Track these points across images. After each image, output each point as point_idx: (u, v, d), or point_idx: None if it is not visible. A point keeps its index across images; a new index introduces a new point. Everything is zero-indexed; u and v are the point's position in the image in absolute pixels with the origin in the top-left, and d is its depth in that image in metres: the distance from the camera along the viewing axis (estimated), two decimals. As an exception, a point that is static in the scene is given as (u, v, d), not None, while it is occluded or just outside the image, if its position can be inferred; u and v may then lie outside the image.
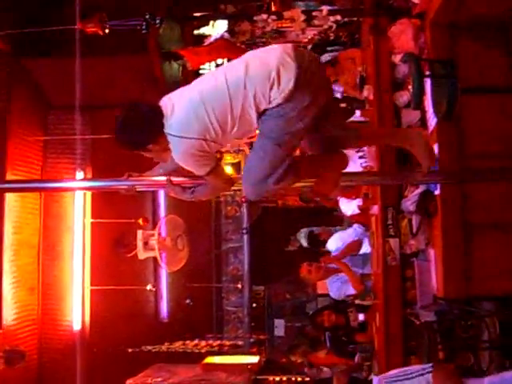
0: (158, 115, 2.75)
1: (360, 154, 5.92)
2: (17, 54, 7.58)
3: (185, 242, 7.97)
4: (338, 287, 5.85)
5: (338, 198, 6.43)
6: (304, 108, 2.66)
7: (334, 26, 6.56)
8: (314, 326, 6.06)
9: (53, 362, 8.20)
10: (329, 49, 6.41)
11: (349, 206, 6.34)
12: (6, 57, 7.55)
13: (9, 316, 7.54)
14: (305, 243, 7.02)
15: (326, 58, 6.58)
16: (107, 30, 6.74)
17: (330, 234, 6.81)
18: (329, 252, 6.54)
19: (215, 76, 2.79)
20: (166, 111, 2.76)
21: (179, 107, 2.75)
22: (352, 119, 6.26)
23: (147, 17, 6.66)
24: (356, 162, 5.84)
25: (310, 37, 6.98)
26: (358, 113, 6.23)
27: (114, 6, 7.14)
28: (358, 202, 6.07)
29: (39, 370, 8.22)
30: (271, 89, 2.65)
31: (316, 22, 6.59)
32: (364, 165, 5.83)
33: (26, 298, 8.08)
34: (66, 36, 6.90)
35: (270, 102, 2.67)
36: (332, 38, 6.85)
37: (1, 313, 7.35)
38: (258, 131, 2.83)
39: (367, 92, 5.65)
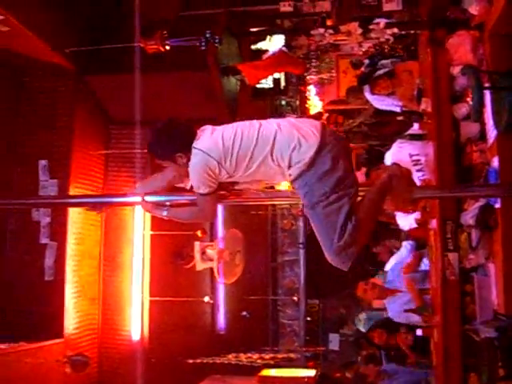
0: (190, 132, 3.11)
1: (418, 167, 5.86)
2: (80, 72, 7.83)
3: (242, 258, 8.03)
4: (398, 311, 5.79)
5: (395, 212, 6.36)
6: (324, 173, 2.93)
7: (391, 38, 6.56)
8: (367, 341, 6.04)
9: (112, 370, 8.36)
10: (384, 62, 6.40)
11: (406, 221, 6.26)
12: (70, 74, 7.80)
13: (70, 325, 7.74)
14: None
15: (383, 69, 6.58)
16: (167, 47, 6.91)
17: (389, 254, 6.74)
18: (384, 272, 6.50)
19: (252, 124, 3.10)
20: (201, 133, 3.10)
21: (215, 133, 3.08)
22: (410, 132, 6.22)
23: (207, 35, 6.78)
24: (414, 175, 5.80)
25: (365, 49, 7.00)
26: (416, 126, 6.19)
27: (173, 23, 7.31)
28: (416, 215, 6.00)
29: (99, 378, 8.40)
30: (293, 151, 2.95)
31: (373, 35, 6.62)
32: (422, 178, 5.77)
33: (87, 308, 8.28)
34: (127, 53, 7.11)
35: (290, 165, 2.96)
36: (387, 50, 6.85)
37: (63, 321, 7.56)
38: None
39: (425, 104, 5.62)
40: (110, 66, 7.74)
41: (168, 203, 3.24)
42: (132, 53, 7.02)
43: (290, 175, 3.00)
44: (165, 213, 3.22)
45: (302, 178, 2.96)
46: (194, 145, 3.05)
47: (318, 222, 2.97)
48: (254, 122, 3.13)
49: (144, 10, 6.54)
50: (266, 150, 2.98)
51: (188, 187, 3.22)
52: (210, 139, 3.06)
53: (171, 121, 3.20)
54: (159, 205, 3.23)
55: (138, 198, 3.29)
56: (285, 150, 2.97)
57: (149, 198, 3.23)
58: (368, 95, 6.68)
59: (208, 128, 3.16)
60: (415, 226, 6.08)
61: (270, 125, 3.07)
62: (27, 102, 7.90)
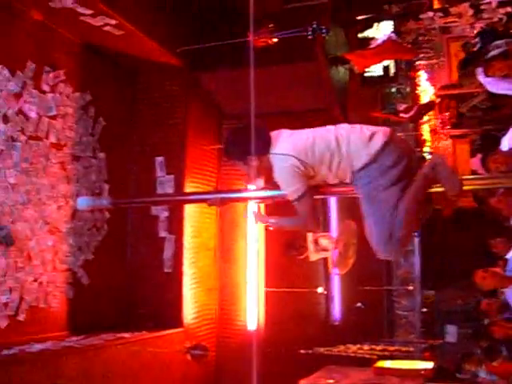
0: (265, 137, 3.29)
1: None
2: (191, 69, 8.06)
3: (355, 249, 7.96)
4: None
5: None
6: (387, 167, 3.11)
7: (505, 17, 6.27)
8: (486, 335, 5.83)
9: (229, 360, 8.58)
10: (498, 42, 6.12)
11: None
12: (183, 72, 8.05)
13: (189, 315, 8.02)
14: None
15: (497, 50, 6.30)
16: (275, 40, 6.97)
17: (507, 247, 6.44)
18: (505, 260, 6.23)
19: (328, 129, 3.32)
20: (278, 138, 3.29)
21: (293, 136, 3.30)
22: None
23: (314, 26, 6.78)
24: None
25: (477, 31, 6.73)
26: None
27: (278, 16, 7.35)
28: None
29: (217, 367, 8.66)
30: (363, 148, 3.15)
31: (485, 15, 6.35)
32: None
33: (205, 298, 8.54)
34: (236, 48, 7.23)
35: (360, 160, 3.14)
36: (501, 30, 6.54)
37: (182, 311, 7.84)
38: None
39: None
40: (220, 62, 7.90)
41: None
42: (241, 48, 7.13)
43: (354, 166, 3.14)
44: (272, 220, 3.60)
45: (366, 170, 3.12)
46: (273, 151, 3.21)
47: (371, 211, 3.13)
48: (328, 126, 3.36)
49: (248, 5, 6.63)
50: (343, 149, 3.15)
51: (260, 185, 3.45)
52: (289, 142, 3.22)
53: (248, 124, 3.34)
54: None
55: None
56: (358, 146, 3.15)
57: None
58: (482, 78, 6.42)
59: (283, 132, 3.35)
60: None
61: (343, 127, 3.31)
62: (142, 101, 8.24)
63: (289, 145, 3.20)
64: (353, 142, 3.18)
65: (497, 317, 6.10)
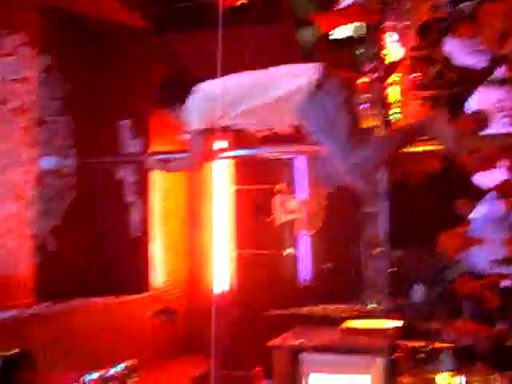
0: (192, 83, 3.35)
1: (504, 113, 5.62)
2: (158, 31, 7.91)
3: (323, 213, 8.00)
4: (485, 262, 5.65)
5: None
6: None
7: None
8: (452, 292, 5.94)
9: (199, 323, 8.60)
10: (466, 3, 6.09)
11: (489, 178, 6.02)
12: (149, 34, 7.90)
13: (159, 278, 8.03)
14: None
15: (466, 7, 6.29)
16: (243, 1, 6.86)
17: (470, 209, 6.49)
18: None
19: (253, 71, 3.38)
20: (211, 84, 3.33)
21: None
22: (494, 76, 5.95)
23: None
24: (499, 123, 5.56)
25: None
26: (500, 70, 5.89)
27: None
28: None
29: (187, 331, 8.70)
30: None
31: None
32: (509, 125, 5.53)
33: (175, 262, 8.54)
34: (202, 9, 7.10)
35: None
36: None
37: (151, 276, 7.84)
38: None
39: (510, 47, 5.35)
40: (187, 23, 7.77)
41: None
42: (207, 9, 7.01)
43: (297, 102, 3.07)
44: (164, 167, 3.59)
45: (312, 102, 3.08)
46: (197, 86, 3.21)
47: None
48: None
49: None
50: (273, 90, 3.13)
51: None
52: (216, 83, 3.25)
53: (171, 75, 3.60)
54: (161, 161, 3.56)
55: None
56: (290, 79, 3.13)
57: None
58: (450, 52, 6.40)
59: None
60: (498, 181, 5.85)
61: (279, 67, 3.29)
62: (107, 64, 8.08)
63: (208, 85, 3.28)
64: (283, 83, 3.17)
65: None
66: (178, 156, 3.50)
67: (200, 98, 3.14)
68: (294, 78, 3.13)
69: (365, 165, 3.03)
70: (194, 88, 3.18)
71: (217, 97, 3.11)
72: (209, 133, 3.18)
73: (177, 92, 3.29)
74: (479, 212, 6.29)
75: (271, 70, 3.28)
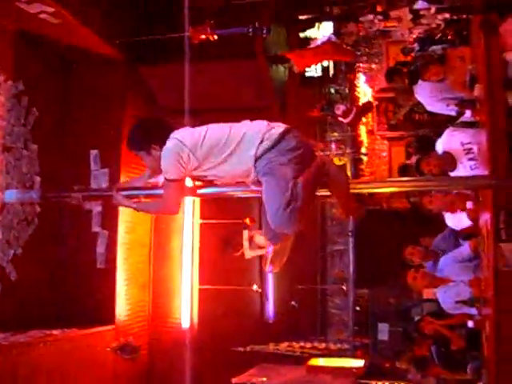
0: (164, 127, 3.39)
1: (470, 155, 5.72)
2: (130, 62, 7.91)
3: (289, 249, 7.97)
4: (450, 302, 5.68)
5: (444, 213, 6.22)
6: (287, 150, 3.26)
7: (442, 24, 6.40)
8: (417, 332, 5.95)
9: (162, 357, 8.48)
10: (435, 48, 6.24)
11: (457, 221, 6.11)
12: (121, 65, 7.90)
13: (121, 312, 7.88)
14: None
15: (435, 52, 6.42)
16: (216, 37, 6.91)
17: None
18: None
19: (225, 125, 3.44)
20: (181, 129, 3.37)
21: (193, 128, 3.41)
22: (462, 119, 6.07)
23: (255, 25, 6.76)
24: (465, 165, 5.66)
25: (415, 36, 6.86)
26: (468, 113, 6.04)
27: (220, 12, 7.31)
28: (469, 206, 5.84)
29: (149, 365, 8.54)
30: (264, 134, 3.29)
31: (423, 20, 6.47)
32: (474, 167, 5.63)
33: (138, 295, 8.41)
34: (176, 43, 7.15)
35: (258, 147, 3.25)
36: (438, 36, 6.68)
37: (114, 308, 7.69)
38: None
39: (478, 91, 5.47)
40: (159, 55, 7.80)
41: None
42: (181, 42, 7.06)
43: (255, 155, 3.24)
44: (134, 205, 3.49)
45: (266, 155, 3.24)
46: (171, 135, 3.30)
47: (271, 183, 3.21)
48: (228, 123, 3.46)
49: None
50: (236, 142, 3.27)
51: (160, 183, 3.44)
52: (186, 131, 3.32)
53: (148, 118, 3.75)
54: (130, 198, 3.48)
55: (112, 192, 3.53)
56: (255, 135, 3.28)
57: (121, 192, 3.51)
58: (420, 98, 6.52)
59: (186, 127, 3.47)
60: (466, 225, 5.94)
61: (244, 122, 3.43)
62: (78, 93, 8.04)
63: (185, 133, 3.32)
64: (249, 135, 3.30)
65: (421, 264, 6.26)
66: (146, 193, 3.47)
67: (176, 148, 3.22)
68: (256, 134, 3.30)
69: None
70: (170, 136, 3.27)
71: (191, 148, 3.24)
72: (184, 181, 3.31)
73: (149, 136, 3.34)
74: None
75: (237, 124, 3.41)
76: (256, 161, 3.25)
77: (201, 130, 3.38)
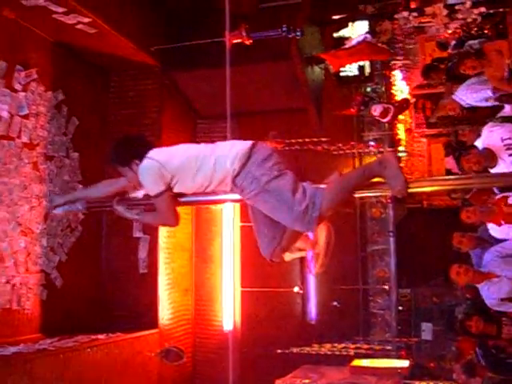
0: (145, 142, 3.50)
1: (510, 151, 5.62)
2: (166, 69, 8.01)
3: (331, 251, 7.93)
4: (494, 298, 5.56)
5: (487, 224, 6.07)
6: (262, 160, 3.27)
7: (479, 18, 6.31)
8: (462, 330, 5.84)
9: (205, 360, 8.54)
10: (471, 42, 6.15)
11: (503, 233, 5.93)
12: (157, 72, 7.99)
13: (165, 316, 7.96)
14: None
15: (471, 47, 6.33)
16: (251, 40, 6.94)
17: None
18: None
19: (199, 146, 3.51)
20: (158, 152, 3.40)
21: (170, 148, 3.48)
22: (501, 114, 5.98)
23: (289, 27, 6.77)
24: (506, 161, 5.56)
25: (451, 31, 6.78)
26: (507, 107, 5.94)
27: (254, 16, 7.34)
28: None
29: (193, 368, 8.62)
30: (234, 153, 3.30)
31: (459, 15, 6.39)
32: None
33: (181, 299, 8.49)
34: (211, 48, 7.21)
35: (232, 164, 3.27)
36: (475, 30, 6.59)
37: (157, 312, 7.78)
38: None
39: (517, 85, 5.38)
40: (194, 61, 7.87)
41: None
42: (216, 48, 7.11)
43: (234, 170, 3.25)
44: (136, 216, 3.53)
45: (244, 170, 3.25)
46: (147, 154, 3.36)
47: (274, 198, 3.20)
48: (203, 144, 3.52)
49: (224, 4, 6.60)
50: (211, 161, 3.31)
51: (140, 196, 3.53)
52: (158, 151, 3.40)
53: (129, 134, 3.79)
54: (130, 208, 3.51)
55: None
56: (227, 155, 3.31)
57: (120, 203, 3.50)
58: (459, 94, 6.43)
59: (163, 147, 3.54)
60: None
61: (210, 145, 3.47)
62: (116, 100, 8.17)
63: (156, 152, 3.39)
64: (221, 152, 3.35)
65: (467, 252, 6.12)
66: (144, 202, 3.54)
67: (148, 164, 3.31)
68: (230, 151, 3.34)
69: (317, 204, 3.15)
70: (147, 156, 3.34)
71: (163, 163, 3.31)
72: (168, 192, 3.34)
73: (131, 151, 3.43)
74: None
75: (213, 145, 3.48)
76: (235, 177, 3.28)
77: (175, 147, 3.49)
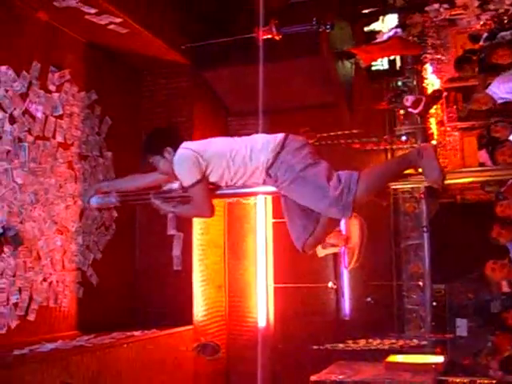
0: (178, 135, 3.60)
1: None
2: (196, 67, 8.05)
3: (364, 246, 7.90)
4: None
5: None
6: (296, 149, 3.29)
7: (511, 8, 6.22)
8: (499, 325, 5.78)
9: (239, 356, 8.58)
10: (504, 34, 6.05)
11: None
12: (188, 69, 8.04)
13: (199, 312, 8.02)
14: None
15: (503, 38, 6.24)
16: (281, 35, 6.94)
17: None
18: None
19: (232, 138, 3.55)
20: (192, 143, 3.47)
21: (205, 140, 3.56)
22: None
23: (319, 21, 6.75)
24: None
25: (483, 22, 6.68)
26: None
27: (284, 11, 7.33)
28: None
29: (227, 364, 8.67)
30: (268, 144, 3.34)
31: (491, 6, 6.30)
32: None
33: (215, 296, 8.54)
34: (241, 45, 7.22)
35: (267, 154, 3.30)
36: (507, 21, 6.49)
37: (192, 309, 7.84)
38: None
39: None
40: (224, 58, 7.89)
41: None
42: (245, 45, 7.13)
43: (268, 160, 3.28)
44: (173, 209, 3.55)
45: (279, 159, 3.26)
46: (181, 145, 3.44)
47: (309, 184, 3.21)
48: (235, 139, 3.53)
49: (253, 1, 6.61)
50: (246, 151, 3.35)
51: (174, 187, 3.60)
52: (196, 142, 3.47)
53: (161, 127, 3.90)
54: (167, 201, 3.54)
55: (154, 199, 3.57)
56: (261, 146, 3.34)
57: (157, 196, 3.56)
58: (491, 91, 6.34)
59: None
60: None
61: (244, 137, 3.50)
62: (148, 99, 8.24)
63: (189, 143, 3.45)
64: (255, 143, 3.38)
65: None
66: (181, 195, 3.56)
67: (185, 152, 3.38)
68: (263, 142, 3.37)
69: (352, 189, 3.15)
70: (181, 146, 3.42)
71: (198, 152, 3.36)
72: (204, 182, 3.36)
73: (163, 140, 3.53)
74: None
75: (247, 137, 3.51)
76: (269, 167, 3.30)
77: (208, 139, 3.55)
